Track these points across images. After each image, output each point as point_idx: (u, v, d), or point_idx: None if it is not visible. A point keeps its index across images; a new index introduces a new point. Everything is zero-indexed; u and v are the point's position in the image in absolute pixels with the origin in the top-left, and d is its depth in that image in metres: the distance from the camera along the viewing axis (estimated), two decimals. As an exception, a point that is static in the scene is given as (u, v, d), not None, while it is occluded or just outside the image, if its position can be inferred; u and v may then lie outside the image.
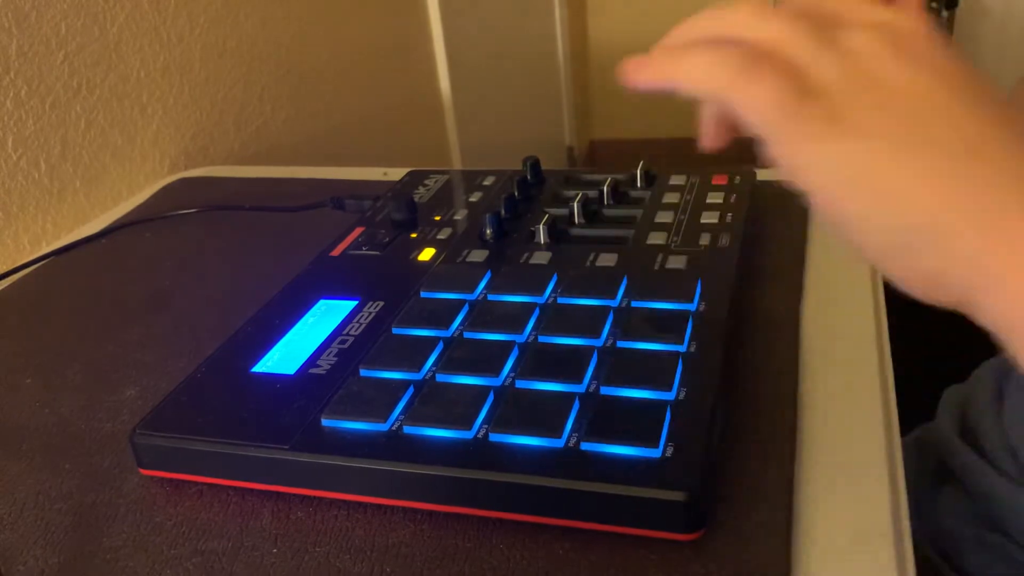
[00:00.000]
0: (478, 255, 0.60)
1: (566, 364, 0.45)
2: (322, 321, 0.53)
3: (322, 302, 0.55)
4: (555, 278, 0.54)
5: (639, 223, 0.62)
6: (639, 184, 0.67)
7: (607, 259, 0.58)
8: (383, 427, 0.43)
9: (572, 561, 0.39)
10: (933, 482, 0.68)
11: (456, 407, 0.43)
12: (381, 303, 0.54)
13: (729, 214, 0.61)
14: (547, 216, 0.62)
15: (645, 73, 0.34)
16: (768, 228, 0.64)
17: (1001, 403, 0.65)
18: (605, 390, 0.44)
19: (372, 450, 0.42)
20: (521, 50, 2.17)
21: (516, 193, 0.67)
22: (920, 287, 0.30)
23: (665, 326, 0.48)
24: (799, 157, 0.31)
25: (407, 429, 0.43)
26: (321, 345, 0.51)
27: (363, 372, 0.47)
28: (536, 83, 2.27)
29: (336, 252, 0.63)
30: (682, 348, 0.46)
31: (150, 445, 0.46)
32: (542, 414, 0.42)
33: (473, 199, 0.70)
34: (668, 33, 0.35)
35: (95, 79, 0.87)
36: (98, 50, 0.87)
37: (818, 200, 0.30)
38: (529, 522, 0.40)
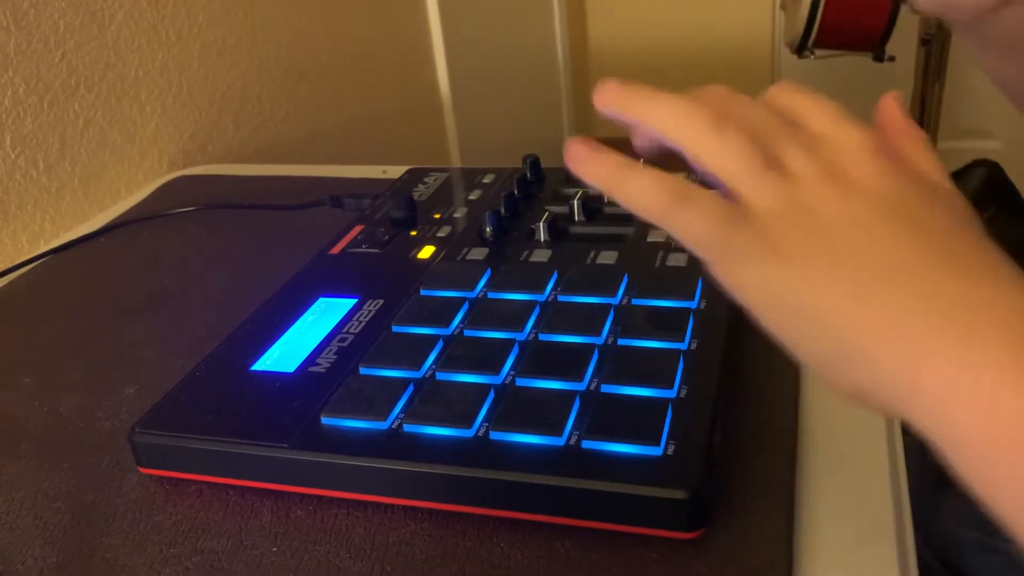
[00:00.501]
0: (478, 253, 0.60)
1: (567, 362, 0.45)
2: (322, 319, 0.53)
3: (321, 300, 0.55)
4: (555, 276, 0.54)
5: (639, 221, 0.62)
6: None
7: (608, 257, 0.57)
8: (383, 425, 0.43)
9: (573, 560, 0.39)
10: (935, 485, 0.68)
11: (456, 405, 0.43)
12: (381, 301, 0.54)
13: None
14: (547, 214, 0.62)
15: (591, 171, 0.36)
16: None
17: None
18: (606, 388, 0.44)
19: (372, 448, 0.42)
20: (521, 47, 2.16)
21: (516, 191, 0.67)
22: (854, 398, 0.31)
23: (666, 324, 0.48)
24: (733, 278, 0.32)
25: (407, 427, 0.43)
26: (321, 343, 0.50)
27: (363, 370, 0.47)
28: (536, 80, 2.26)
29: (335, 250, 0.63)
30: (683, 346, 0.46)
31: (149, 444, 0.46)
32: (543, 412, 0.42)
33: (473, 197, 0.70)
34: (620, 99, 0.36)
35: (93, 77, 0.87)
36: (96, 48, 0.87)
37: (755, 316, 0.32)
38: (530, 520, 0.40)
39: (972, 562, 0.62)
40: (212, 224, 0.78)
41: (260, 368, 0.49)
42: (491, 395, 0.44)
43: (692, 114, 0.34)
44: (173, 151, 0.98)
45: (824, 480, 0.42)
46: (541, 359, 0.46)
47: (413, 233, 0.64)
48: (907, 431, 0.32)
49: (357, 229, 0.66)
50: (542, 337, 0.48)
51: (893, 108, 0.36)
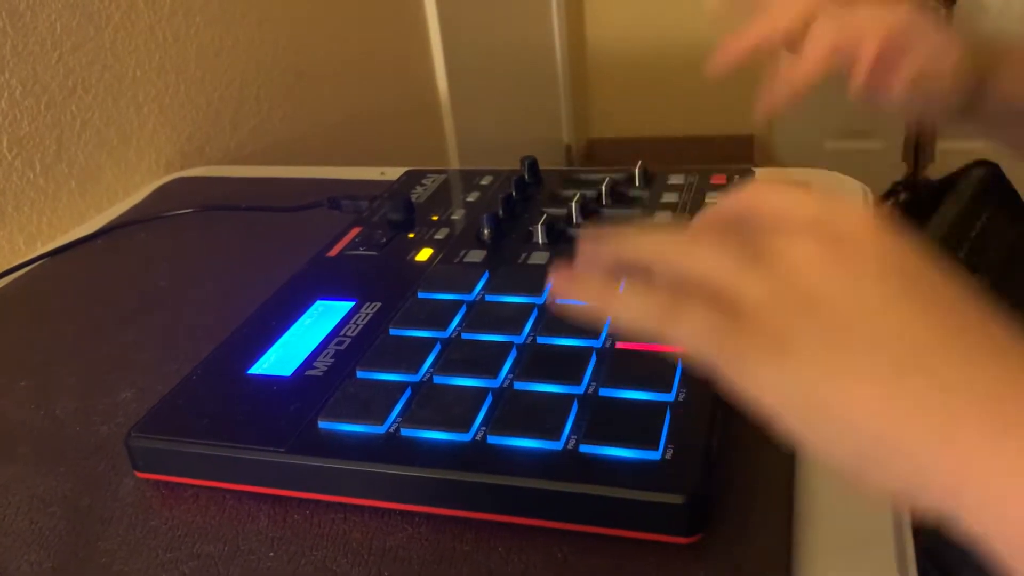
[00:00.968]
0: (476, 255, 0.60)
1: (565, 365, 0.45)
2: (319, 322, 0.53)
3: (319, 303, 0.55)
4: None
5: (638, 223, 0.62)
6: (637, 183, 0.67)
7: (605, 259, 0.57)
8: (380, 429, 0.43)
9: (571, 564, 0.38)
10: None
11: (454, 409, 0.43)
12: (378, 304, 0.54)
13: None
14: (545, 216, 0.62)
15: (578, 293, 0.34)
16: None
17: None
18: (604, 391, 0.43)
19: (369, 453, 0.42)
20: (519, 48, 2.16)
21: (514, 193, 0.67)
22: (900, 498, 0.29)
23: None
24: (745, 384, 0.30)
25: (404, 431, 0.42)
26: (318, 346, 0.50)
27: (360, 374, 0.47)
28: (534, 82, 2.26)
29: (333, 252, 0.63)
30: (681, 349, 0.46)
31: (145, 448, 0.45)
32: (541, 416, 0.42)
33: (471, 199, 0.70)
34: (597, 253, 0.35)
35: (90, 79, 0.86)
36: (93, 49, 0.87)
37: (778, 425, 0.29)
38: (528, 525, 0.40)
39: (968, 571, 0.62)
40: (209, 226, 0.78)
41: (257, 372, 0.49)
42: (489, 399, 0.43)
43: (663, 241, 0.33)
44: (170, 152, 0.97)
45: (822, 484, 0.42)
46: (539, 362, 0.46)
47: (411, 235, 0.64)
48: None
49: (355, 231, 0.66)
50: (540, 340, 0.48)
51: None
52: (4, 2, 0.77)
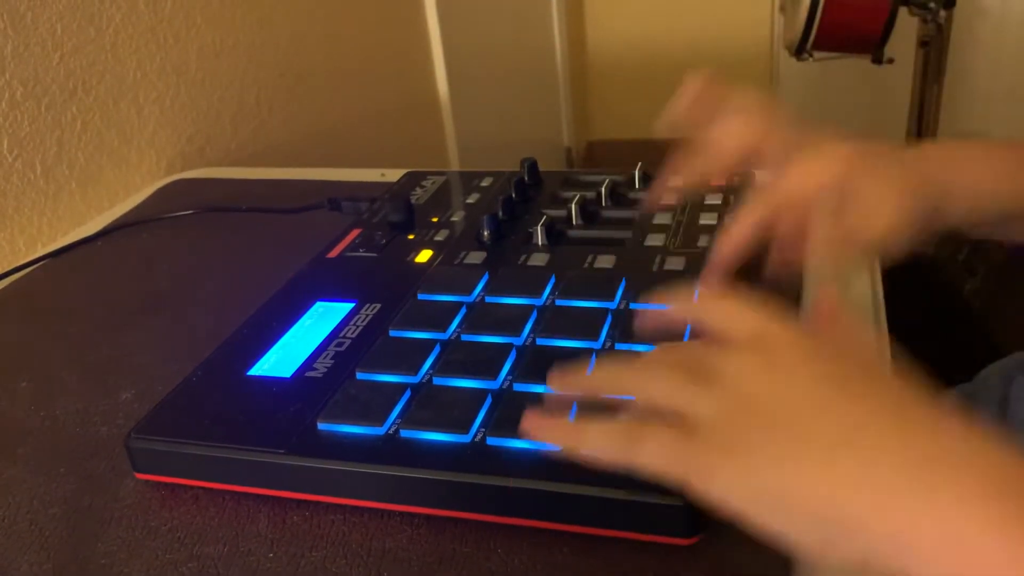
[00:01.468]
0: (476, 257, 0.60)
1: (564, 367, 0.45)
2: (319, 323, 0.53)
3: (319, 304, 0.55)
4: (553, 280, 0.54)
5: (637, 224, 0.62)
6: (637, 185, 0.67)
7: (605, 261, 0.57)
8: (380, 431, 0.43)
9: (570, 566, 0.39)
10: None
11: (453, 410, 0.43)
12: (378, 305, 0.54)
13: (727, 215, 0.61)
14: (545, 217, 0.62)
15: (548, 437, 0.38)
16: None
17: (1007, 408, 0.65)
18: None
19: (369, 454, 0.42)
20: (519, 50, 2.16)
21: (514, 194, 0.67)
22: (862, 570, 0.31)
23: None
24: (712, 493, 0.33)
25: (404, 433, 0.42)
26: (318, 348, 0.50)
27: (360, 375, 0.47)
28: (534, 84, 2.26)
29: (333, 254, 0.63)
30: (681, 350, 0.46)
31: (146, 449, 0.45)
32: (540, 417, 0.42)
33: (471, 200, 0.70)
34: (564, 397, 0.40)
35: (91, 80, 0.87)
36: (94, 51, 0.87)
37: (749, 522, 0.32)
38: (527, 526, 0.40)
39: None
40: (209, 227, 0.78)
41: (257, 373, 0.49)
42: (488, 400, 0.44)
43: (622, 375, 0.38)
44: (171, 153, 0.98)
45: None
46: (539, 364, 0.46)
47: (411, 237, 0.64)
48: None
49: (354, 233, 0.66)
50: (540, 341, 0.48)
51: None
52: (5, 3, 0.77)
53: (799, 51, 1.66)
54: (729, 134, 0.50)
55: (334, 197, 0.76)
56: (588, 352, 0.46)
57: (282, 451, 0.43)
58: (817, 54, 1.67)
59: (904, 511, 0.29)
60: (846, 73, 2.10)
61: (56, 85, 0.83)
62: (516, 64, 2.12)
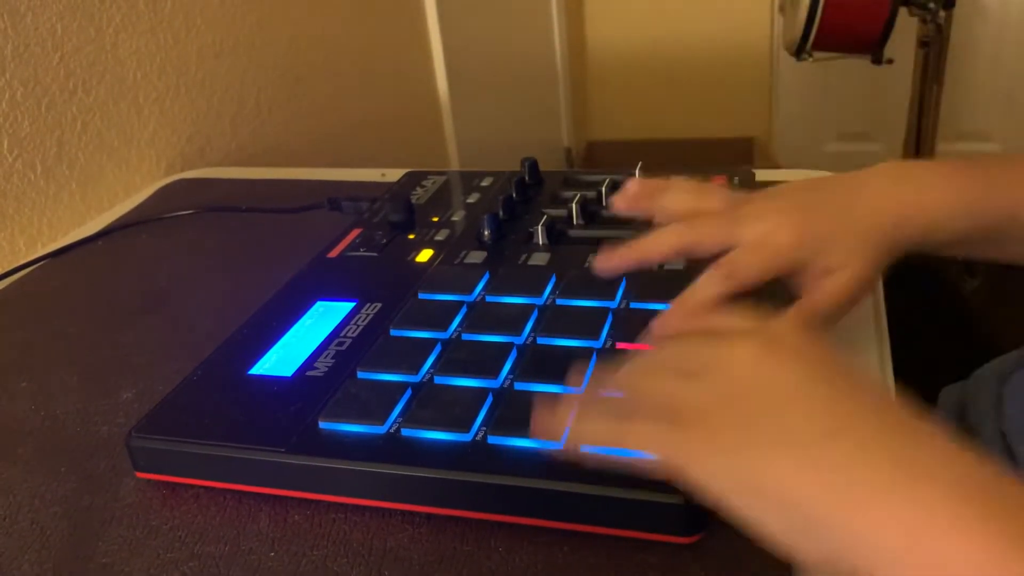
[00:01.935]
0: (476, 256, 0.60)
1: (565, 366, 0.45)
2: (319, 323, 0.53)
3: (319, 304, 0.55)
4: (553, 279, 0.54)
5: (638, 224, 0.62)
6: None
7: (606, 260, 0.57)
8: (381, 430, 0.43)
9: (571, 564, 0.39)
10: None
11: (454, 409, 0.43)
12: (379, 305, 0.54)
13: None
14: (545, 217, 0.62)
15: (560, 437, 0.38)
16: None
17: (1002, 408, 0.65)
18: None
19: (370, 453, 0.42)
20: (519, 51, 2.16)
21: (514, 194, 0.67)
22: (825, 567, 0.32)
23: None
24: (693, 476, 0.33)
25: (405, 432, 0.42)
26: (318, 347, 0.50)
27: (361, 374, 0.47)
28: (534, 84, 2.26)
29: (333, 253, 0.63)
30: (681, 349, 0.46)
31: (146, 448, 0.45)
32: (541, 416, 0.42)
33: (471, 200, 0.70)
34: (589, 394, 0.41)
35: (91, 80, 0.87)
36: (94, 51, 0.87)
37: (724, 508, 0.33)
38: (528, 525, 0.40)
39: None
40: (210, 227, 0.78)
41: (258, 372, 0.49)
42: (489, 399, 0.44)
43: (626, 374, 0.38)
44: (171, 154, 0.98)
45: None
46: (539, 363, 0.46)
47: (411, 236, 0.64)
48: None
49: (355, 232, 0.66)
50: (540, 340, 0.48)
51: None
52: (5, 3, 0.77)
53: (799, 51, 1.66)
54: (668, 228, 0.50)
55: (334, 197, 0.76)
56: (589, 351, 0.46)
57: (283, 450, 0.43)
58: (817, 54, 1.67)
59: (871, 513, 0.29)
60: (846, 73, 2.10)
61: (56, 85, 0.83)
62: (516, 64, 2.12)
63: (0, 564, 0.42)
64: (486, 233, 0.62)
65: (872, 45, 1.63)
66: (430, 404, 0.44)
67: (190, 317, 0.63)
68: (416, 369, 0.47)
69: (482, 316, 0.51)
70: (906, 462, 0.30)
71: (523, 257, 0.59)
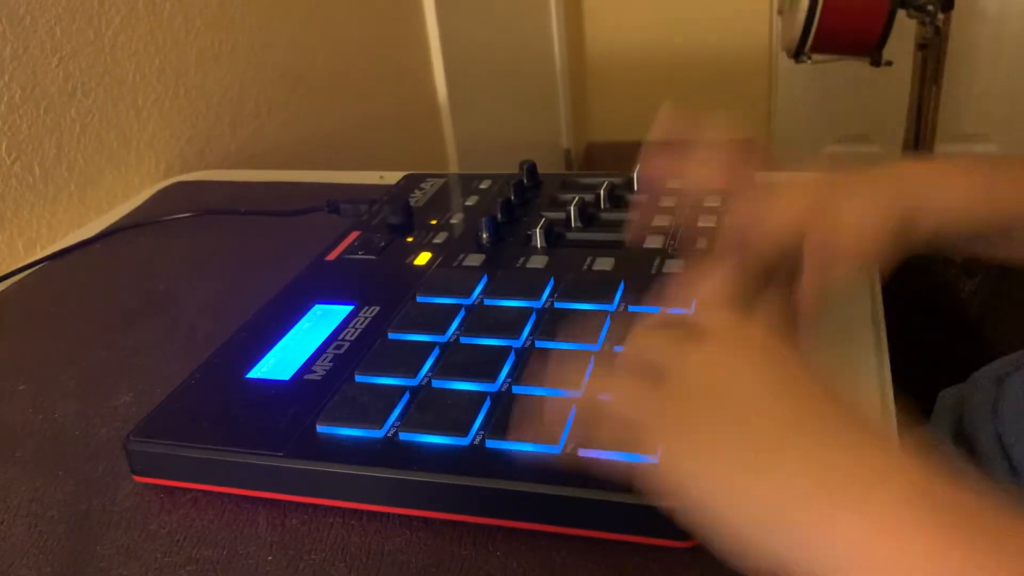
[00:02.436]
0: (474, 259, 0.60)
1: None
2: (317, 326, 0.53)
3: (317, 307, 0.55)
4: (552, 282, 0.54)
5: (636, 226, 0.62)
6: (636, 188, 0.67)
7: (604, 263, 0.57)
8: (378, 434, 0.43)
9: (570, 568, 0.39)
10: None
11: (452, 413, 0.43)
12: (377, 308, 0.54)
13: (726, 217, 0.61)
14: (544, 220, 0.62)
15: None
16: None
17: (998, 410, 0.65)
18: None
19: (368, 457, 0.42)
20: (517, 53, 2.16)
21: (512, 197, 0.67)
22: (786, 569, 0.32)
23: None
24: (668, 481, 0.34)
25: (403, 436, 0.42)
26: (316, 351, 0.50)
27: (358, 378, 0.47)
28: (532, 86, 2.26)
29: (331, 256, 0.63)
30: (679, 353, 0.46)
31: (144, 452, 0.45)
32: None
33: (469, 203, 0.70)
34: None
35: (90, 83, 0.87)
36: (93, 53, 0.87)
37: (684, 501, 0.33)
38: (526, 529, 0.40)
39: None
40: (208, 230, 0.78)
41: (255, 376, 0.49)
42: (487, 403, 0.44)
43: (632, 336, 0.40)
44: (170, 156, 0.98)
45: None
46: (538, 366, 0.46)
47: (409, 239, 0.64)
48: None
49: (353, 235, 0.66)
50: (539, 344, 0.48)
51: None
52: (4, 6, 0.77)
53: (798, 53, 1.66)
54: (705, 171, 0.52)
55: (333, 200, 0.76)
56: (587, 355, 0.46)
57: (281, 454, 0.43)
58: (816, 56, 1.67)
59: (824, 519, 0.30)
60: (845, 75, 2.10)
61: (55, 87, 0.83)
62: (515, 66, 2.12)
63: (-3, 568, 0.42)
64: (484, 236, 0.62)
65: (871, 47, 1.63)
66: (428, 408, 0.43)
67: (189, 320, 0.63)
68: (414, 373, 0.46)
69: (480, 319, 0.51)
70: (849, 469, 0.31)
71: (521, 260, 0.59)
